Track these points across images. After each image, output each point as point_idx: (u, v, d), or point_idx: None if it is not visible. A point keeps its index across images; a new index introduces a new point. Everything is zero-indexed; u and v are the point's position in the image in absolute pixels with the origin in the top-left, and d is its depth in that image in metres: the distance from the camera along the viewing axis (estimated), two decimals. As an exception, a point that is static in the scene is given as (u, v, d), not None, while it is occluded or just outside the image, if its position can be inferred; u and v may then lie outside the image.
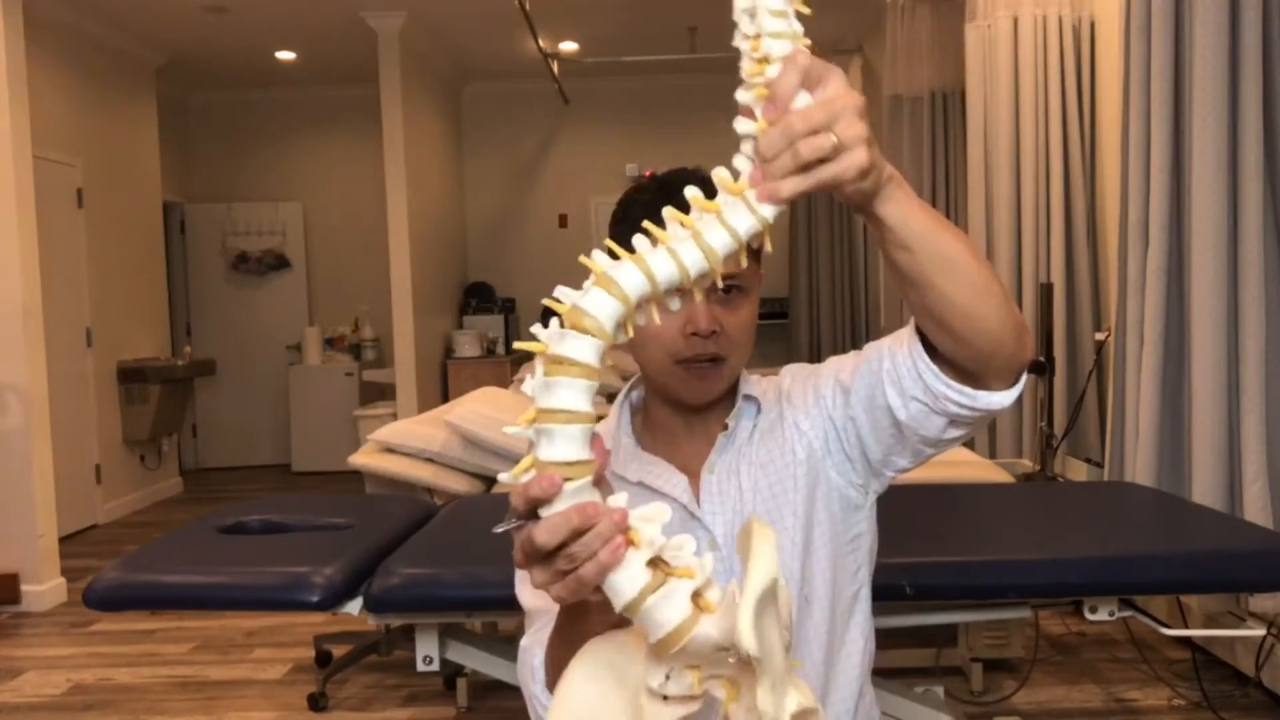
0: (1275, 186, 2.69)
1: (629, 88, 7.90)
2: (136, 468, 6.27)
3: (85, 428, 5.67)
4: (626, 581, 0.70)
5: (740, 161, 0.79)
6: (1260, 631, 2.41)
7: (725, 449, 1.16)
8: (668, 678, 0.73)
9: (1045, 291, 3.71)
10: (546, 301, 0.73)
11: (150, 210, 6.56)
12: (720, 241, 0.73)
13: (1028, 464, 3.82)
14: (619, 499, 0.73)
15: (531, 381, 0.70)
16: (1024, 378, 0.98)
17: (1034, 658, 3.07)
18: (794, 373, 1.22)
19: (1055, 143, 3.87)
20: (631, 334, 0.74)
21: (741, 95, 0.81)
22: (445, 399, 6.59)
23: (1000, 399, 0.96)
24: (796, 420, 1.16)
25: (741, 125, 0.80)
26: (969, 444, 4.19)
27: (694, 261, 0.72)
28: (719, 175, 0.77)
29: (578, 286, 0.74)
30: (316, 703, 3.03)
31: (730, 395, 1.19)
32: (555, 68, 6.83)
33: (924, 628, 2.65)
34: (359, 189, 7.75)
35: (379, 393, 7.20)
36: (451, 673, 2.97)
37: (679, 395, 1.14)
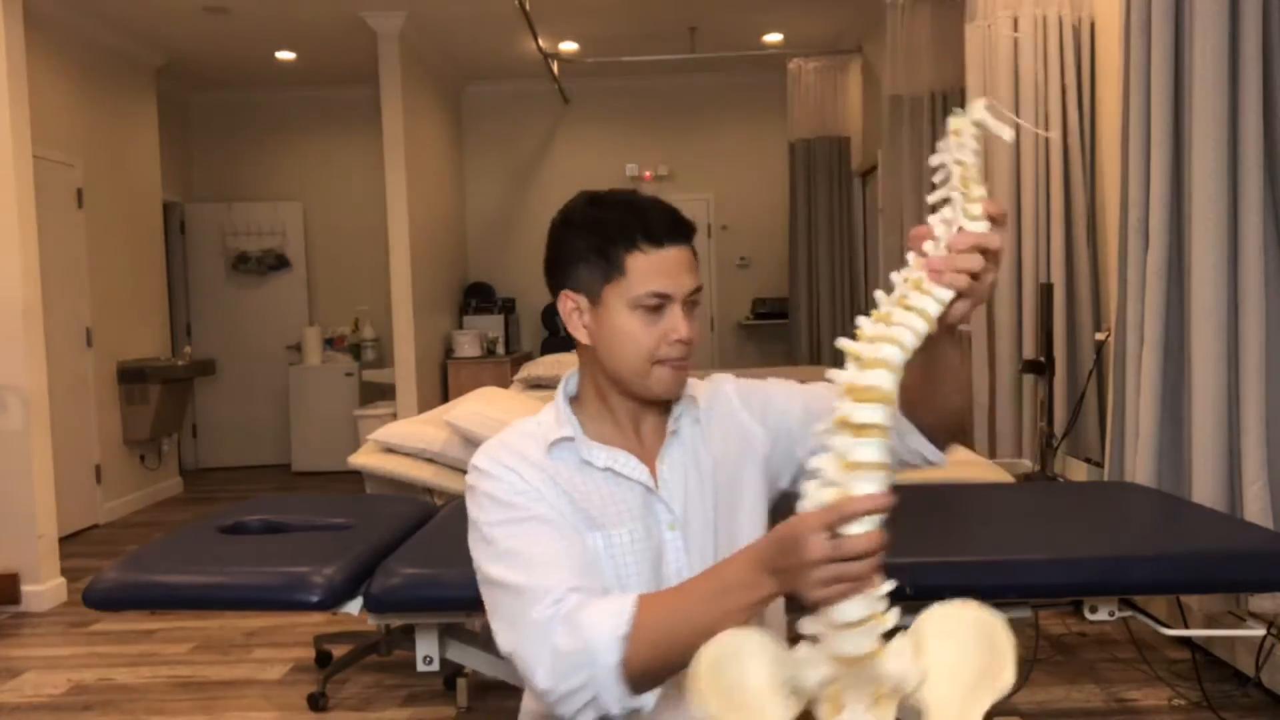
0: (1275, 186, 2.69)
1: (629, 88, 7.90)
2: (136, 468, 6.27)
3: (85, 428, 5.67)
4: (864, 605, 0.97)
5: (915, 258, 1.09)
6: (1260, 631, 2.41)
7: (672, 444, 1.34)
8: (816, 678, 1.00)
9: (1045, 291, 3.71)
10: (844, 346, 1.00)
11: (150, 210, 6.56)
12: (931, 306, 1.02)
13: (1028, 464, 3.82)
14: None
15: (839, 440, 0.97)
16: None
17: (1034, 658, 3.07)
18: (735, 381, 1.44)
19: (1055, 143, 3.87)
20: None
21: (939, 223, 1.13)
22: (445, 399, 6.59)
23: (944, 456, 1.31)
24: (744, 420, 1.38)
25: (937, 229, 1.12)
26: (968, 444, 4.19)
27: (920, 326, 1.00)
28: (906, 274, 1.07)
29: None
30: (316, 703, 3.03)
31: None
32: (555, 68, 6.83)
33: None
34: (359, 189, 7.75)
35: (379, 393, 7.20)
36: (451, 673, 2.98)
37: (652, 390, 1.30)
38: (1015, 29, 3.91)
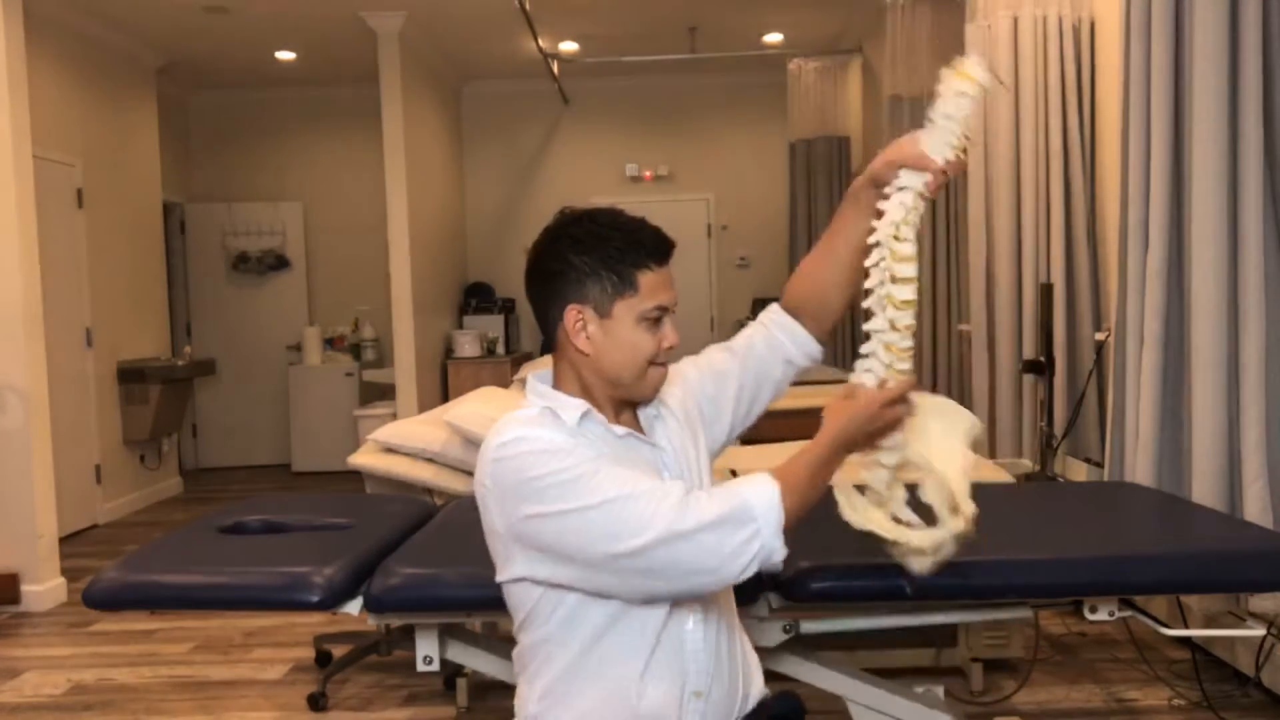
0: (1275, 186, 2.69)
1: (629, 88, 7.90)
2: (136, 468, 6.27)
3: (85, 428, 5.67)
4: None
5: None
6: (1260, 631, 2.41)
7: (655, 427, 1.52)
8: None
9: (1045, 291, 3.70)
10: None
11: (150, 210, 6.56)
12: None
13: (1028, 464, 3.82)
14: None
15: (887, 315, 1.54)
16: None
17: (1034, 658, 3.07)
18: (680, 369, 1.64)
19: (1055, 143, 3.87)
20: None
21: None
22: (445, 399, 6.59)
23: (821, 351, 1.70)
24: (687, 405, 1.59)
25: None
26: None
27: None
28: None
29: None
30: (316, 703, 3.03)
31: None
32: (555, 68, 6.83)
33: (924, 628, 2.65)
34: (359, 189, 7.75)
35: (379, 393, 7.20)
36: (451, 673, 2.98)
37: (645, 391, 1.47)
38: (1015, 29, 3.91)
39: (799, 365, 1.67)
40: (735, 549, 1.29)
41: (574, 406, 1.43)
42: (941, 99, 1.56)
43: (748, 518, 1.30)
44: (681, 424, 1.55)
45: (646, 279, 1.41)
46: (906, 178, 1.52)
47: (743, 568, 1.30)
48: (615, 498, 1.30)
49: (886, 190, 1.53)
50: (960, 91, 1.56)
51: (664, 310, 1.43)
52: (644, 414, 1.52)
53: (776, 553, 1.32)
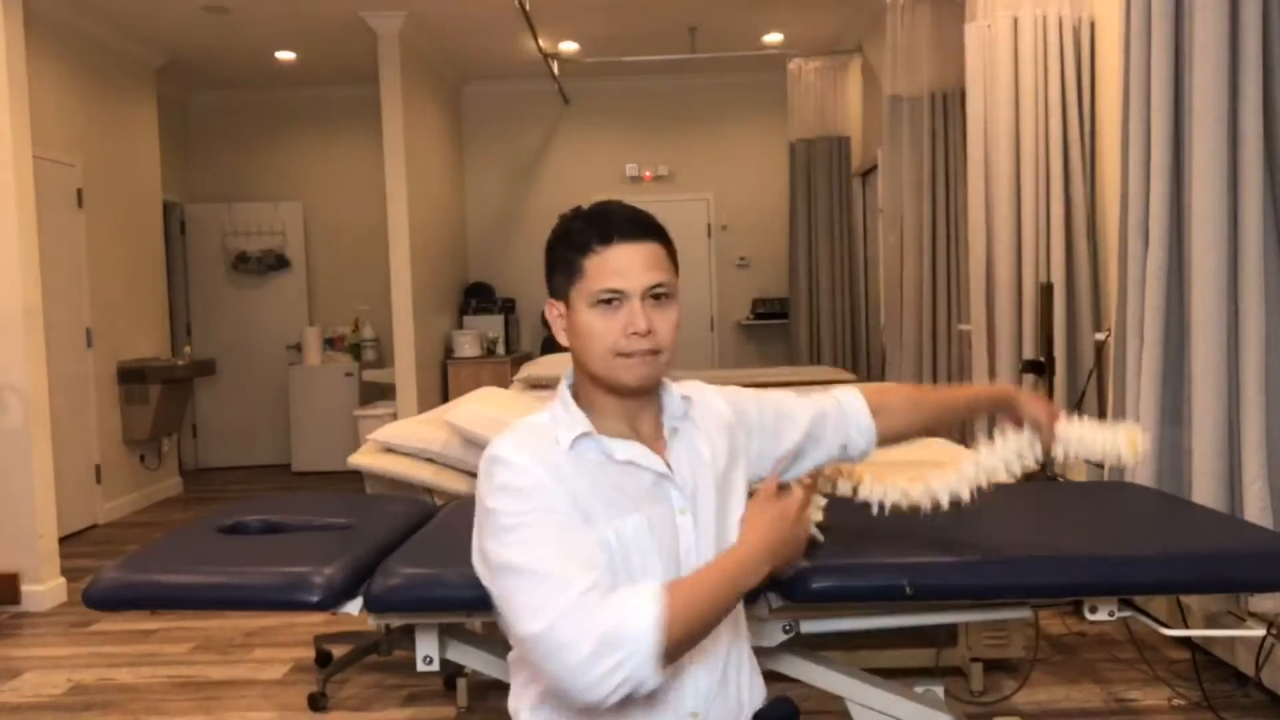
0: (1275, 186, 2.69)
1: (629, 88, 7.90)
2: (136, 468, 6.27)
3: (85, 428, 5.67)
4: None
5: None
6: (1260, 631, 2.41)
7: (675, 440, 1.45)
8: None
9: (1045, 291, 3.70)
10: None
11: (150, 210, 6.56)
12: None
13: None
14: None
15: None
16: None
17: (1034, 658, 3.07)
18: (715, 389, 1.57)
19: (1055, 143, 3.87)
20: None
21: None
22: (445, 399, 6.59)
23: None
24: (732, 423, 1.53)
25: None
26: (968, 444, 4.18)
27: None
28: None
29: None
30: (316, 703, 3.03)
31: (653, 395, 1.46)
32: (555, 68, 6.83)
33: (924, 628, 2.65)
34: (359, 189, 7.76)
35: (379, 393, 7.20)
36: (451, 673, 2.97)
37: (620, 380, 1.37)
38: (1015, 29, 3.91)
39: (847, 457, 1.69)
40: (597, 678, 1.19)
41: (571, 426, 1.38)
42: (1099, 434, 1.72)
43: (616, 644, 1.19)
44: (712, 439, 1.48)
45: (591, 262, 1.35)
46: (1021, 442, 1.77)
47: (604, 696, 1.20)
48: (527, 570, 1.24)
49: (1004, 426, 1.79)
50: (1117, 455, 1.71)
51: (615, 293, 1.35)
52: (669, 417, 1.45)
53: (647, 683, 1.22)
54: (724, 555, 1.35)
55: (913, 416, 1.73)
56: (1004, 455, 1.77)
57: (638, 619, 1.20)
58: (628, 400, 1.41)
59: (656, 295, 1.37)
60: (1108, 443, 1.71)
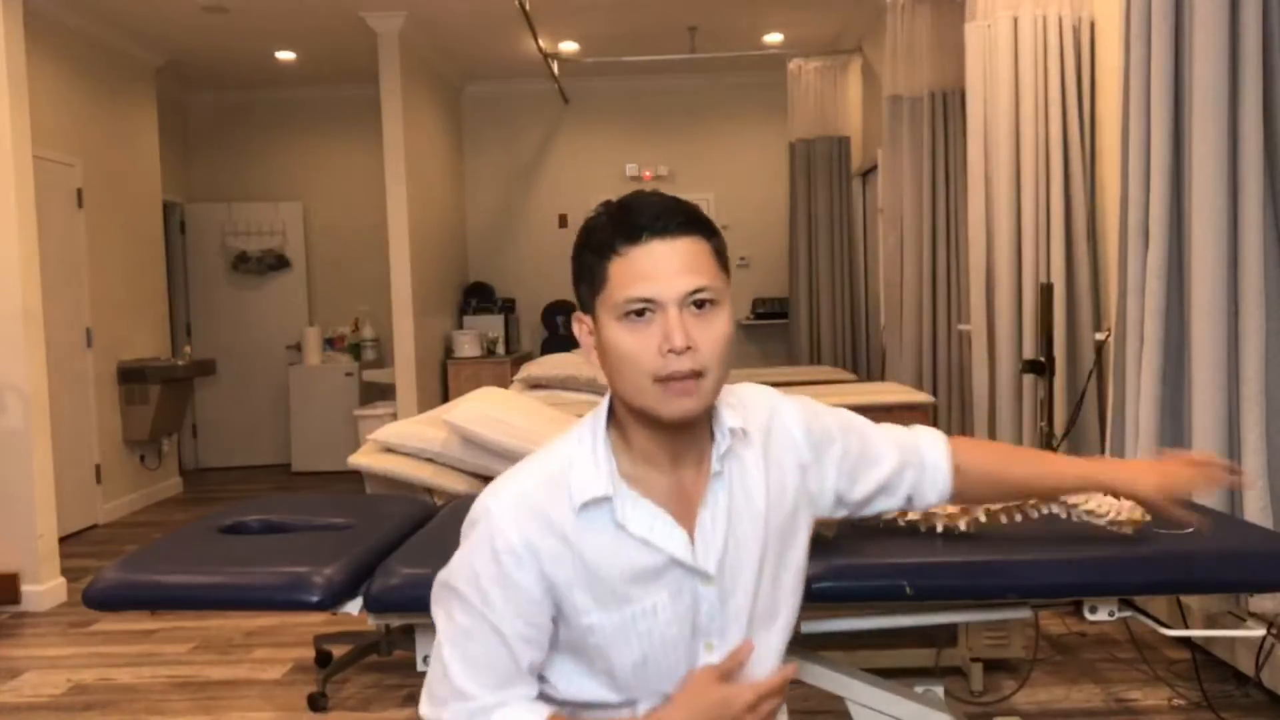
0: (1275, 186, 2.69)
1: (629, 88, 7.90)
2: (136, 468, 6.27)
3: (85, 428, 5.67)
4: None
5: None
6: (1260, 631, 2.41)
7: (716, 487, 1.21)
8: None
9: (1045, 291, 3.70)
10: None
11: (150, 210, 6.56)
12: None
13: (1028, 464, 3.81)
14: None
15: None
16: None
17: (1034, 658, 3.07)
18: (796, 410, 1.32)
19: (1055, 143, 3.87)
20: None
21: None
22: (445, 399, 6.59)
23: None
24: (806, 458, 1.29)
25: None
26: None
27: None
28: None
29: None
30: (316, 703, 3.03)
31: (705, 420, 1.21)
32: (555, 68, 6.83)
33: (924, 628, 2.65)
34: (359, 189, 7.75)
35: (379, 393, 7.20)
36: (451, 673, 2.97)
37: (659, 414, 1.13)
38: (1015, 29, 3.91)
39: (908, 508, 1.46)
40: None
41: (588, 482, 1.16)
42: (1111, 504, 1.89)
43: None
44: (782, 475, 1.26)
45: (616, 266, 1.12)
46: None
47: None
48: (443, 657, 1.19)
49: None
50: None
51: (645, 302, 1.11)
52: (720, 457, 1.20)
53: None
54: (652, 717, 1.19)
55: (996, 489, 1.51)
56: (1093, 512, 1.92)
57: None
58: (672, 436, 1.18)
59: (699, 303, 1.13)
60: (1114, 510, 1.87)
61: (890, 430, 1.43)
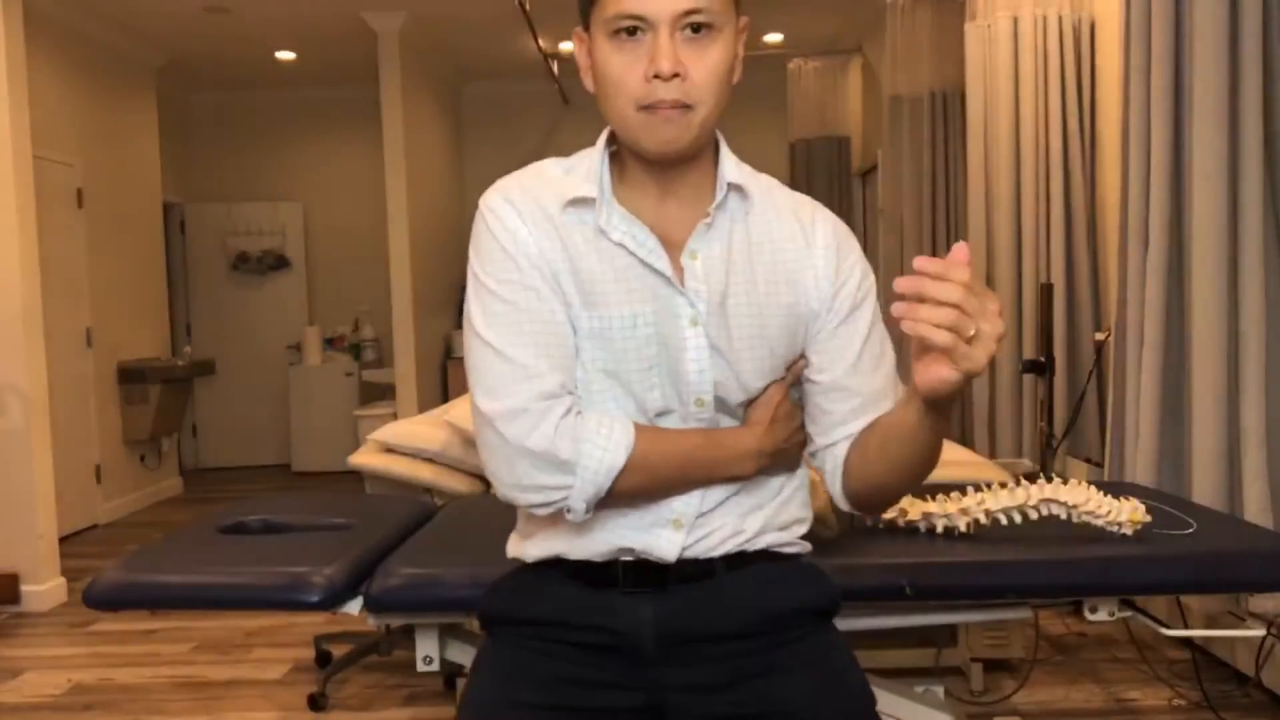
0: (1275, 186, 2.69)
1: (629, 88, 7.89)
2: (136, 468, 6.27)
3: (85, 428, 5.67)
4: None
5: None
6: (1260, 631, 2.41)
7: (706, 235, 1.13)
8: None
9: (1045, 291, 3.70)
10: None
11: (150, 210, 6.56)
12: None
13: (1028, 464, 3.82)
14: None
15: None
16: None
17: (1034, 658, 3.07)
18: (841, 236, 1.20)
19: (1055, 143, 3.87)
20: None
21: None
22: (445, 399, 6.59)
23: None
24: (817, 272, 1.17)
25: None
26: (968, 444, 4.19)
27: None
28: None
29: None
30: (316, 703, 3.03)
31: (707, 167, 1.17)
32: (555, 68, 6.83)
33: (924, 628, 2.65)
34: (359, 189, 7.75)
35: (379, 393, 7.20)
36: (451, 673, 2.97)
37: (642, 145, 1.08)
38: (1015, 29, 3.91)
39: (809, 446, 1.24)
40: (531, 487, 1.08)
41: (580, 187, 1.12)
42: (1107, 502, 1.90)
43: (567, 469, 1.07)
44: (779, 271, 1.15)
45: None
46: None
47: (524, 504, 1.11)
48: (490, 344, 1.09)
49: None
50: (1118, 524, 1.89)
51: (635, 19, 1.03)
52: (714, 206, 1.14)
53: (575, 516, 1.09)
54: (721, 433, 1.13)
55: (881, 465, 1.17)
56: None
57: (600, 459, 1.06)
58: (661, 172, 1.13)
59: (695, 26, 1.05)
60: (1114, 510, 1.87)
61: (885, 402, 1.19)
